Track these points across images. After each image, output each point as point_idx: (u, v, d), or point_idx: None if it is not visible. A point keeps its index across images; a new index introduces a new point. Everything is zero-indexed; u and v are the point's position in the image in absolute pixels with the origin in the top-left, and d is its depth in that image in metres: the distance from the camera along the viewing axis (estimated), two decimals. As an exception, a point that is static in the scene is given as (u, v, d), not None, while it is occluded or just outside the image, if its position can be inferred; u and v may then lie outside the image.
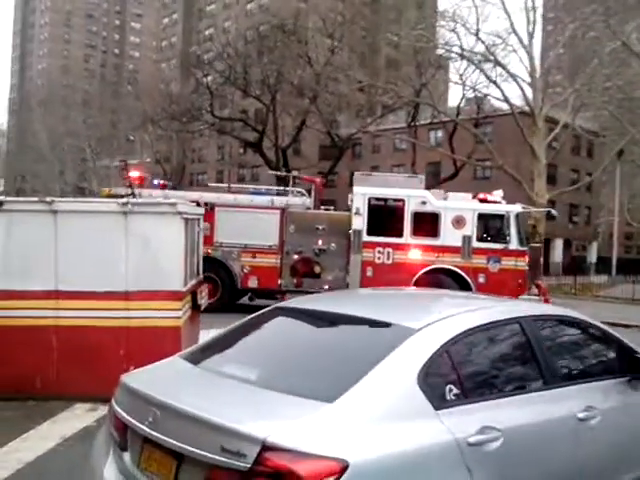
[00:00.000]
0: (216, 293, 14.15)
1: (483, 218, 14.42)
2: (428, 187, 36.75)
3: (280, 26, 33.82)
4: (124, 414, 3.08)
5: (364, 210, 14.21)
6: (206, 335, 6.11)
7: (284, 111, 38.44)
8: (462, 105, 34.00)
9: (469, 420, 2.89)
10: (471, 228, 14.25)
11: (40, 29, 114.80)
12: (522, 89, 27.01)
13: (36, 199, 6.72)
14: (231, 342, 3.64)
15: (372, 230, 14.24)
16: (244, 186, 19.54)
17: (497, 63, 26.20)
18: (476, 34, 25.91)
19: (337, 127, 39.71)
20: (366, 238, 14.20)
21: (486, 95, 29.81)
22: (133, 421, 2.96)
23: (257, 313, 3.91)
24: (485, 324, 3.30)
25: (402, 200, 14.39)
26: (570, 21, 28.03)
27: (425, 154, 41.03)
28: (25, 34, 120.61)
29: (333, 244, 14.33)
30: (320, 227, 14.34)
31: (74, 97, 76.73)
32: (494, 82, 26.32)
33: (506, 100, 27.40)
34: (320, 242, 14.35)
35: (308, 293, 15.04)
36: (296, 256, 14.35)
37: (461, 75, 30.69)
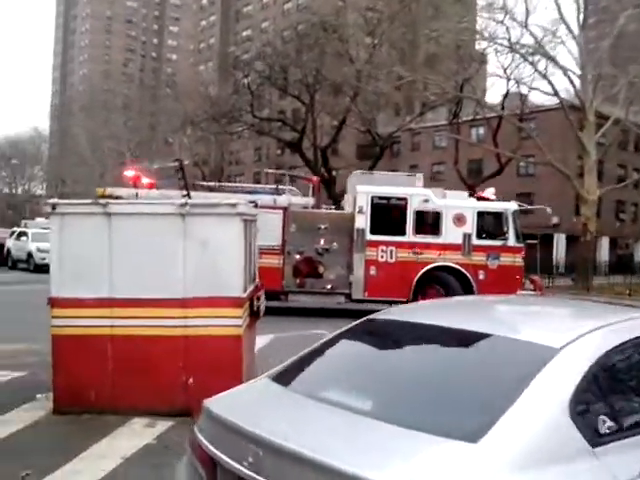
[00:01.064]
0: None
1: (482, 216, 14.63)
2: (471, 185, 35.91)
3: (320, 23, 33.35)
4: (211, 447, 2.61)
5: (367, 209, 14.04)
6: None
7: (323, 110, 38.02)
8: (504, 100, 33.02)
9: (631, 459, 2.34)
10: (471, 226, 14.42)
11: (81, 35, 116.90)
12: (572, 82, 26.02)
13: (90, 201, 6.38)
14: (326, 362, 3.14)
15: (375, 229, 14.17)
16: (236, 185, 19.22)
17: (546, 55, 25.25)
18: (525, 26, 25.03)
19: (375, 126, 39.09)
20: (369, 237, 14.10)
21: (533, 89, 28.82)
22: (225, 458, 2.48)
23: (347, 327, 3.41)
24: (636, 338, 2.74)
25: (405, 199, 14.43)
26: (621, 10, 26.93)
27: (466, 151, 40.12)
28: (66, 41, 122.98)
29: (335, 243, 14.09)
30: (322, 226, 14.07)
31: (114, 101, 77.71)
32: (544, 75, 25.37)
33: (556, 93, 26.42)
34: (322, 241, 14.11)
35: (311, 294, 14.53)
36: (298, 256, 14.02)
37: (505, 69, 29.77)
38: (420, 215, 14.40)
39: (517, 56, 27.28)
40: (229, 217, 6.29)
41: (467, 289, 14.14)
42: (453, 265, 14.28)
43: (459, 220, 14.34)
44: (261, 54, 35.45)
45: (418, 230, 14.33)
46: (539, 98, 30.67)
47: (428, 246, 14.30)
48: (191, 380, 6.34)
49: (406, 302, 14.25)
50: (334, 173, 37.21)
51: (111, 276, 6.29)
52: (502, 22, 25.43)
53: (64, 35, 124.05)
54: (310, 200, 15.00)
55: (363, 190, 14.35)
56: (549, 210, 18.14)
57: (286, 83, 35.11)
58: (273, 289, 13.73)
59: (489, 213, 14.70)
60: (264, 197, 13.95)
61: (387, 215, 14.39)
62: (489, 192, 15.50)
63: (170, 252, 6.33)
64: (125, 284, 6.31)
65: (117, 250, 6.31)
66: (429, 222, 14.43)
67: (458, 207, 14.54)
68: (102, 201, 6.19)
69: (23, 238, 27.92)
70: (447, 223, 14.33)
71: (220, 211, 6.31)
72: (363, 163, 53.15)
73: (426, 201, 14.34)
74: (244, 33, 70.98)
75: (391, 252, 14.15)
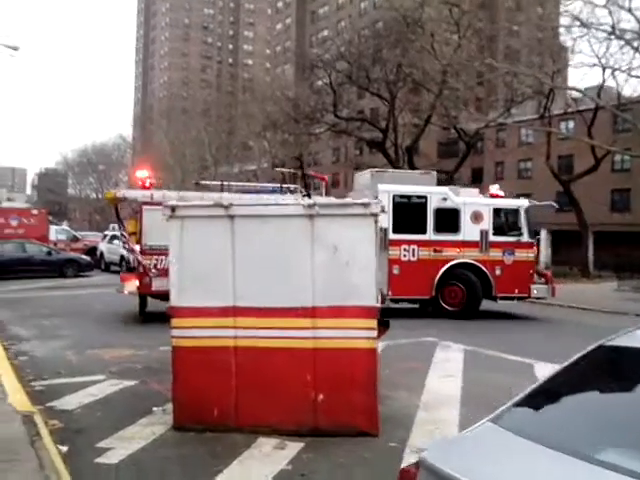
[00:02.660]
0: None
1: (498, 213, 14.92)
2: (565, 182, 33.99)
3: (403, 19, 32.49)
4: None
5: (389, 208, 13.83)
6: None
7: (405, 108, 37.14)
8: (600, 90, 31.11)
9: None
10: (488, 222, 14.66)
11: (160, 44, 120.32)
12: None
13: (211, 203, 5.92)
14: (571, 405, 2.45)
15: (397, 228, 14.17)
16: (242, 184, 18.41)
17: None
18: (629, 10, 23.34)
19: (456, 123, 37.83)
20: (392, 236, 14.09)
21: (636, 77, 26.88)
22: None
23: (581, 356, 2.69)
24: None
25: (425, 197, 14.53)
26: None
27: (555, 147, 38.15)
28: (147, 51, 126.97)
29: None
30: None
31: (193, 107, 79.33)
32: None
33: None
34: None
35: None
36: None
37: (599, 58, 27.95)
38: (439, 213, 14.53)
39: (613, 44, 25.51)
40: (362, 218, 5.69)
41: (485, 285, 14.54)
42: (472, 262, 14.55)
43: (477, 217, 14.61)
44: (342, 53, 34.91)
45: (438, 228, 14.48)
46: (630, 89, 28.60)
47: (448, 244, 14.50)
48: (321, 397, 5.78)
49: (429, 300, 14.51)
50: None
51: (234, 283, 5.81)
52: (605, 6, 23.76)
53: (144, 45, 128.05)
54: (332, 199, 14.74)
55: (385, 189, 14.22)
56: (555, 205, 17.95)
57: (368, 82, 34.42)
58: None
59: (505, 210, 15.06)
60: (268, 197, 13.43)
61: (408, 214, 14.44)
62: (494, 189, 15.65)
63: (298, 257, 5.80)
64: (249, 292, 5.82)
65: (240, 255, 5.83)
66: (448, 220, 14.55)
67: (475, 204, 14.77)
68: (225, 203, 5.72)
69: (116, 241, 28.48)
70: (465, 220, 14.57)
71: (352, 212, 5.71)
72: (445, 161, 51.95)
73: (445, 199, 14.52)
74: (320, 35, 70.79)
75: (413, 251, 14.27)
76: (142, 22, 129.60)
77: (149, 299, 13.12)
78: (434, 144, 53.30)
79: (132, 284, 12.59)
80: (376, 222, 5.83)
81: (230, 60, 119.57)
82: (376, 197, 13.98)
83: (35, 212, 30.80)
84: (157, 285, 12.06)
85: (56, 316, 13.54)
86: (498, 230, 14.79)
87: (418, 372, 8.20)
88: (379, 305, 5.75)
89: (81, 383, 7.62)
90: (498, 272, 14.63)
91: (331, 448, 5.41)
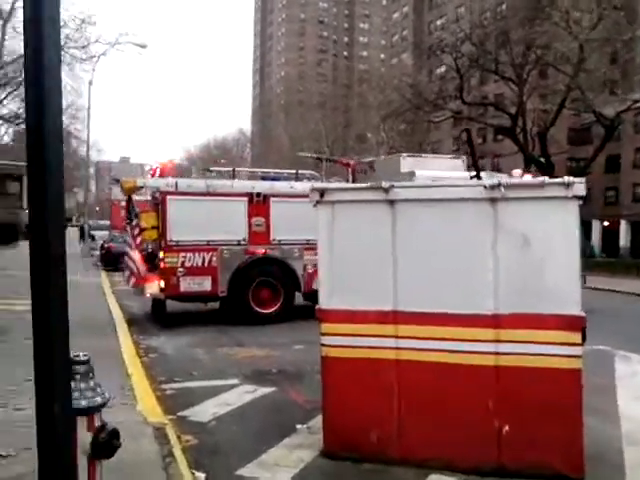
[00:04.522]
0: (276, 300, 11.80)
1: None
2: None
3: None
4: None
5: None
6: None
7: (534, 93, 34.55)
8: None
9: None
10: None
11: (277, 40, 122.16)
12: None
13: (367, 185, 4.91)
14: None
15: None
16: (253, 170, 16.66)
17: None
18: None
19: (593, 106, 34.67)
20: None
21: None
22: None
23: None
24: None
25: None
26: None
27: None
28: (264, 47, 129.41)
29: None
30: None
31: (310, 101, 79.46)
32: None
33: None
34: None
35: None
36: None
37: None
38: None
39: None
40: (561, 202, 4.44)
41: None
42: None
43: None
44: (467, 35, 32.95)
45: None
46: None
47: None
48: (506, 427, 4.61)
49: None
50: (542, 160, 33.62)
51: (395, 282, 4.78)
52: None
53: (262, 41, 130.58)
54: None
55: (423, 175, 12.76)
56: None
57: (496, 65, 32.25)
58: None
59: None
60: (282, 184, 12.28)
61: None
62: (516, 173, 13.25)
63: (475, 251, 4.67)
64: (414, 293, 4.76)
65: (402, 248, 4.78)
66: None
67: None
68: (384, 184, 4.68)
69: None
70: None
71: (549, 193, 4.48)
72: (576, 149, 48.29)
73: None
74: (439, 21, 68.37)
75: None
76: (259, 19, 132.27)
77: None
78: (564, 130, 49.63)
79: (154, 285, 10.90)
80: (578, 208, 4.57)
81: (345, 53, 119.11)
82: None
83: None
84: (185, 286, 10.85)
85: (177, 308, 13.17)
86: None
87: (604, 391, 6.78)
88: (584, 314, 4.48)
89: (214, 388, 6.92)
90: None
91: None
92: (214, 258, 11.00)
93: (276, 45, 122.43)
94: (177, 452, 4.88)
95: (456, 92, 33.38)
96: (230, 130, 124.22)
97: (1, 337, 9.05)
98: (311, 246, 11.65)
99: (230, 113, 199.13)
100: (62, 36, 31.73)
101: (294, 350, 8.97)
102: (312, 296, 12.18)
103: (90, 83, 32.80)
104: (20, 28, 32.35)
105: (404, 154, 14.77)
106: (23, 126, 42.63)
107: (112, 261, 23.51)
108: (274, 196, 11.62)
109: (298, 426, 5.61)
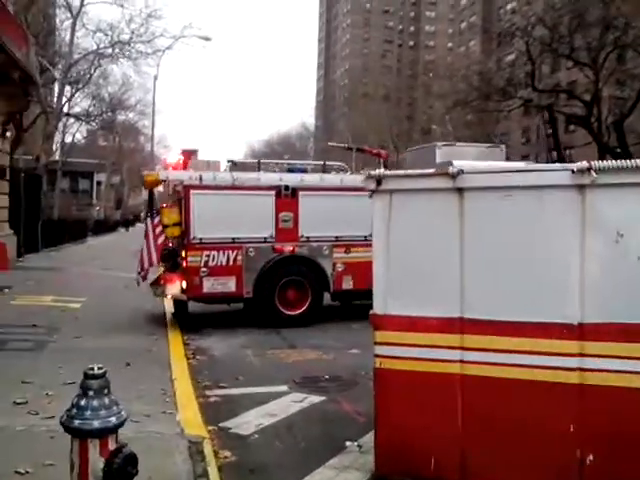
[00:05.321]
0: (304, 301, 10.83)
1: None
2: None
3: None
4: None
5: None
6: None
7: (610, 79, 32.57)
8: None
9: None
10: None
11: (342, 32, 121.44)
12: None
13: (432, 171, 4.22)
14: None
15: None
16: (278, 161, 15.47)
17: None
18: None
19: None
20: None
21: None
22: None
23: None
24: None
25: None
26: None
27: None
28: (329, 39, 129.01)
29: None
30: None
31: (374, 94, 78.44)
32: None
33: None
34: None
35: None
36: None
37: None
38: None
39: None
40: (666, 189, 3.65)
41: None
42: None
43: None
44: (540, 17, 31.31)
45: None
46: None
47: None
48: (591, 457, 3.86)
49: None
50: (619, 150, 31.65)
51: (462, 285, 4.09)
52: None
53: (326, 33, 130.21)
54: None
55: (460, 165, 11.23)
56: None
57: (570, 49, 30.52)
58: (367, 288, 11.40)
59: None
60: (352, 177, 11.20)
61: None
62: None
63: (557, 248, 3.92)
64: (484, 298, 4.06)
65: (472, 244, 4.08)
66: None
67: None
68: (452, 169, 4.00)
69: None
70: None
71: (650, 179, 3.68)
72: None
73: None
74: (509, 6, 65.98)
75: None
76: (324, 11, 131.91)
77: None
78: (641, 118, 46.87)
79: (175, 286, 10.16)
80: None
81: (411, 43, 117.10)
82: None
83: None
84: (209, 286, 10.05)
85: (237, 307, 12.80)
86: None
87: None
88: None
89: (260, 395, 6.41)
90: None
91: None
92: (239, 257, 10.20)
93: (341, 37, 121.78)
94: (212, 471, 4.37)
95: (527, 79, 31.88)
96: (293, 124, 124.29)
97: (51, 336, 8.84)
98: (341, 243, 11.00)
99: (293, 108, 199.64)
100: (128, 31, 32.38)
101: (349, 354, 8.36)
102: (341, 296, 11.43)
103: (155, 78, 33.06)
104: (90, 25, 33.15)
105: (439, 143, 13.93)
106: (94, 124, 43.87)
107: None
108: (303, 189, 10.76)
109: (348, 443, 5.01)
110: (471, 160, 12.39)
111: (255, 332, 10.14)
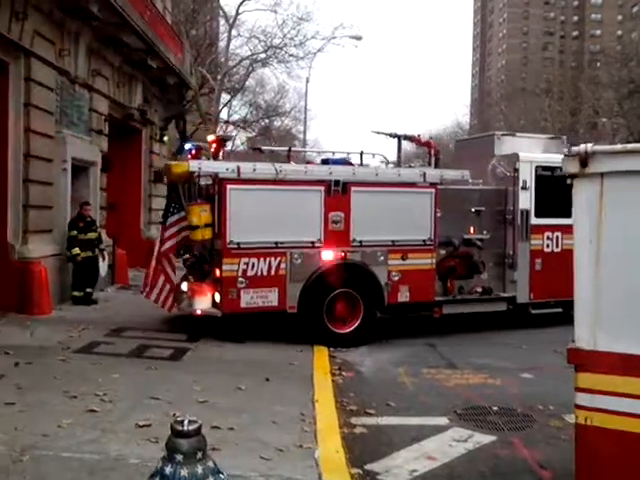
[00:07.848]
0: (355, 317, 9.01)
1: None
2: None
3: None
4: None
5: (531, 184, 10.55)
6: None
7: None
8: None
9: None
10: None
11: (498, 27, 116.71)
12: None
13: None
14: None
15: (539, 210, 10.71)
16: (301, 150, 12.52)
17: None
18: None
19: None
20: (534, 221, 10.67)
21: None
22: None
23: None
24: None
25: None
26: None
27: None
28: (484, 36, 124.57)
29: (486, 231, 10.47)
30: (473, 209, 10.41)
31: (533, 88, 74.01)
32: None
33: None
34: (472, 229, 10.42)
35: (464, 302, 10.02)
36: (444, 251, 10.10)
37: None
38: None
39: None
40: None
41: None
42: None
43: None
44: None
45: None
46: None
47: None
48: None
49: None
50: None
51: None
52: None
53: (481, 30, 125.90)
54: (465, 173, 10.28)
55: (526, 159, 10.62)
56: None
57: None
58: (426, 300, 9.68)
59: None
60: (409, 171, 9.96)
61: (551, 192, 10.38)
62: None
63: None
64: None
65: None
66: None
67: None
68: None
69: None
70: None
71: None
72: None
73: None
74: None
75: (557, 239, 10.83)
76: (479, 7, 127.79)
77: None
78: None
79: (206, 299, 8.66)
80: None
81: (574, 33, 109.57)
82: (515, 170, 10.48)
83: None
84: (248, 300, 8.50)
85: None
86: None
87: None
88: None
89: (415, 429, 5.38)
90: None
91: None
92: (282, 265, 8.70)
93: (497, 32, 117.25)
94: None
95: None
96: (446, 123, 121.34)
97: (192, 343, 8.45)
98: (397, 248, 9.42)
99: (446, 107, 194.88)
100: (281, 35, 32.75)
101: (521, 379, 7.07)
102: (395, 309, 9.71)
103: (307, 80, 33.09)
104: (244, 32, 34.01)
105: (498, 132, 12.02)
106: (251, 130, 45.24)
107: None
108: (356, 185, 9.17)
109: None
110: (535, 152, 10.86)
111: (407, 345, 9.10)
